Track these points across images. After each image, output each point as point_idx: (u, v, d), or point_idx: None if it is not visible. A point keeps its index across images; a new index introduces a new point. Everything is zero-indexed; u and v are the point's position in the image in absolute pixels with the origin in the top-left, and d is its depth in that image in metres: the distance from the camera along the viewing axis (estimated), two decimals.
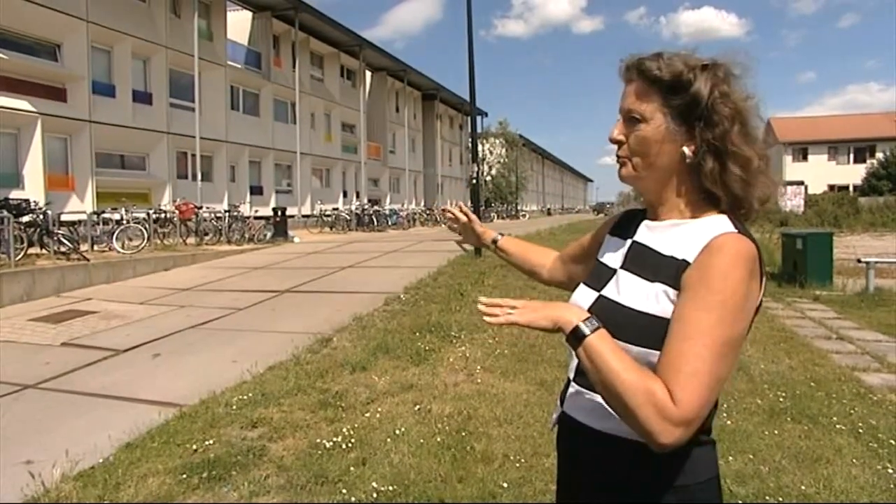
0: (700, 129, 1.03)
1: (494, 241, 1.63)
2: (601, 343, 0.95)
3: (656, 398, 0.89)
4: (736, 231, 0.99)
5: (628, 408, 0.90)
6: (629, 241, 1.14)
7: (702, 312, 0.93)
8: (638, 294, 1.04)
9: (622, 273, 1.10)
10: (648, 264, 1.06)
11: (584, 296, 1.14)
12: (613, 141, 1.10)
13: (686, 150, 1.04)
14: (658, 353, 0.98)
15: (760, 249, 0.99)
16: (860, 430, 3.55)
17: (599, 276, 1.15)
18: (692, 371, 0.90)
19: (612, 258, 1.15)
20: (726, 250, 0.95)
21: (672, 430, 0.88)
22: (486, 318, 1.02)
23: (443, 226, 26.98)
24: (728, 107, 1.02)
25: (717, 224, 1.02)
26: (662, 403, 0.88)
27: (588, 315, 0.99)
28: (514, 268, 1.64)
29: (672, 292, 0.99)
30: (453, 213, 1.69)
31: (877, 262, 8.95)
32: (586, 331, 0.95)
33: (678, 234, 1.05)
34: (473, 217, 1.67)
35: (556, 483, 1.23)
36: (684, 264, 0.99)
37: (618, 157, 1.11)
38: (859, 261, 9.25)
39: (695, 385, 0.89)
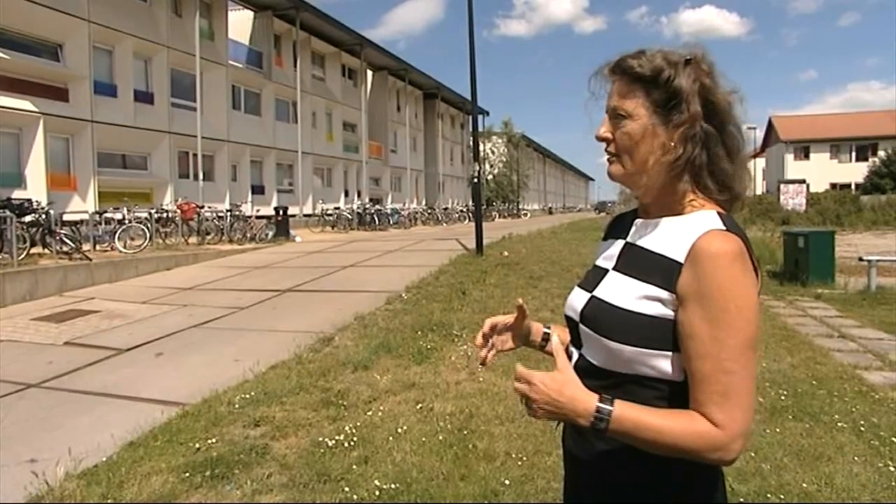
0: (685, 122, 1.02)
1: (546, 339, 1.30)
2: (628, 410, 0.96)
3: (707, 436, 0.93)
4: (723, 227, 0.99)
5: (685, 453, 0.95)
6: (622, 242, 1.14)
7: (711, 327, 0.94)
8: (630, 294, 1.04)
9: (614, 274, 1.10)
10: (640, 264, 1.06)
11: (578, 297, 1.15)
12: (600, 139, 1.10)
13: (670, 143, 1.03)
14: (651, 351, 1.00)
15: (748, 242, 0.99)
16: (862, 428, 3.56)
17: (593, 278, 1.15)
18: (723, 390, 0.93)
19: (606, 260, 1.16)
20: (714, 254, 0.95)
21: (731, 449, 0.93)
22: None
23: (444, 225, 26.96)
24: (711, 99, 1.03)
25: (705, 220, 1.02)
26: (712, 437, 0.93)
27: (595, 394, 0.98)
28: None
29: (665, 294, 0.99)
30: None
31: (879, 261, 8.94)
32: (608, 406, 0.96)
33: (667, 231, 1.05)
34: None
35: (563, 482, 1.23)
36: (676, 265, 0.99)
37: (607, 155, 1.12)
38: (861, 259, 9.25)
39: (731, 402, 0.93)
